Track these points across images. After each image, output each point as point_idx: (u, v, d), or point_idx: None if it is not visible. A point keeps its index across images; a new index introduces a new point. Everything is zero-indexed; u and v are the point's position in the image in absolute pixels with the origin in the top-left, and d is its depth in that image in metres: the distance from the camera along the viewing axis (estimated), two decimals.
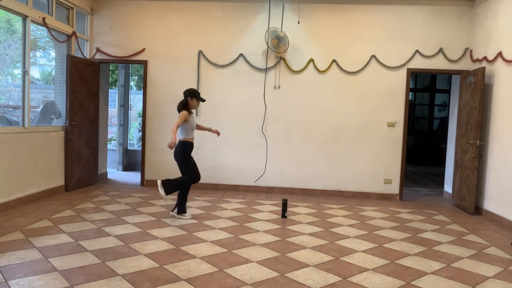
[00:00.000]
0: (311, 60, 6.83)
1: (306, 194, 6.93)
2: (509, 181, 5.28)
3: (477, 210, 6.01)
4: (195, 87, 7.04)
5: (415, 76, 12.77)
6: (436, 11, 6.63)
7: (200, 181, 7.11)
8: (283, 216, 5.28)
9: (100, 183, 7.24)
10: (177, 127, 4.78)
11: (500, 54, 5.61)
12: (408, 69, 6.71)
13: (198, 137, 7.06)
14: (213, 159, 7.04)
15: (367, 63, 6.76)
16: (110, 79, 9.08)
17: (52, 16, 6.07)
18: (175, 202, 5.18)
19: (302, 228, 4.82)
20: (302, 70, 6.86)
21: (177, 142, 4.84)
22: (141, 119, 8.67)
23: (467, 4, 6.58)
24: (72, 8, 6.61)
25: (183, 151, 4.91)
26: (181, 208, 5.05)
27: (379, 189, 6.86)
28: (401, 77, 6.74)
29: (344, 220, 5.30)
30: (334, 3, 6.78)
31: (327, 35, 6.81)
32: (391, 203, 6.50)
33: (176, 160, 4.95)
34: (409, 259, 3.85)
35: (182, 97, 6.98)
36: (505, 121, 5.48)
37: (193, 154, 5.08)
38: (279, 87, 6.91)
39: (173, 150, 4.88)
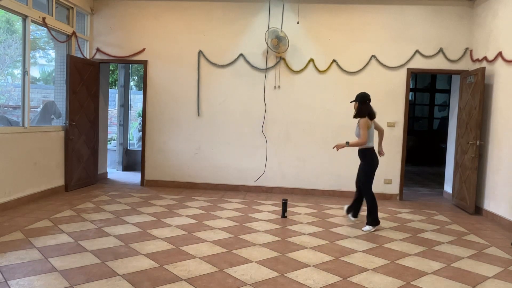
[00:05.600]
0: (311, 60, 6.83)
1: (306, 194, 6.93)
2: (509, 181, 5.28)
3: (477, 210, 6.00)
4: (195, 87, 7.04)
5: (415, 76, 12.76)
6: (436, 11, 6.63)
7: (200, 181, 7.19)
8: (283, 216, 5.28)
9: (100, 183, 7.24)
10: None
11: (500, 54, 5.61)
12: (408, 69, 6.71)
13: (198, 137, 7.10)
14: (213, 159, 7.04)
15: (367, 63, 6.76)
16: (110, 79, 9.08)
17: (52, 16, 6.07)
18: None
19: (302, 228, 4.82)
20: (302, 70, 6.86)
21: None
22: (141, 119, 8.67)
23: (467, 4, 6.58)
24: (72, 8, 6.61)
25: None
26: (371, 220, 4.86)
27: (379, 189, 6.85)
28: (401, 77, 6.74)
29: (344, 220, 5.30)
30: (334, 3, 6.78)
31: (327, 35, 6.81)
32: (391, 203, 6.50)
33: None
34: (409, 259, 3.86)
35: (181, 97, 7.10)
36: (505, 121, 5.48)
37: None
38: (279, 87, 6.90)
39: None
